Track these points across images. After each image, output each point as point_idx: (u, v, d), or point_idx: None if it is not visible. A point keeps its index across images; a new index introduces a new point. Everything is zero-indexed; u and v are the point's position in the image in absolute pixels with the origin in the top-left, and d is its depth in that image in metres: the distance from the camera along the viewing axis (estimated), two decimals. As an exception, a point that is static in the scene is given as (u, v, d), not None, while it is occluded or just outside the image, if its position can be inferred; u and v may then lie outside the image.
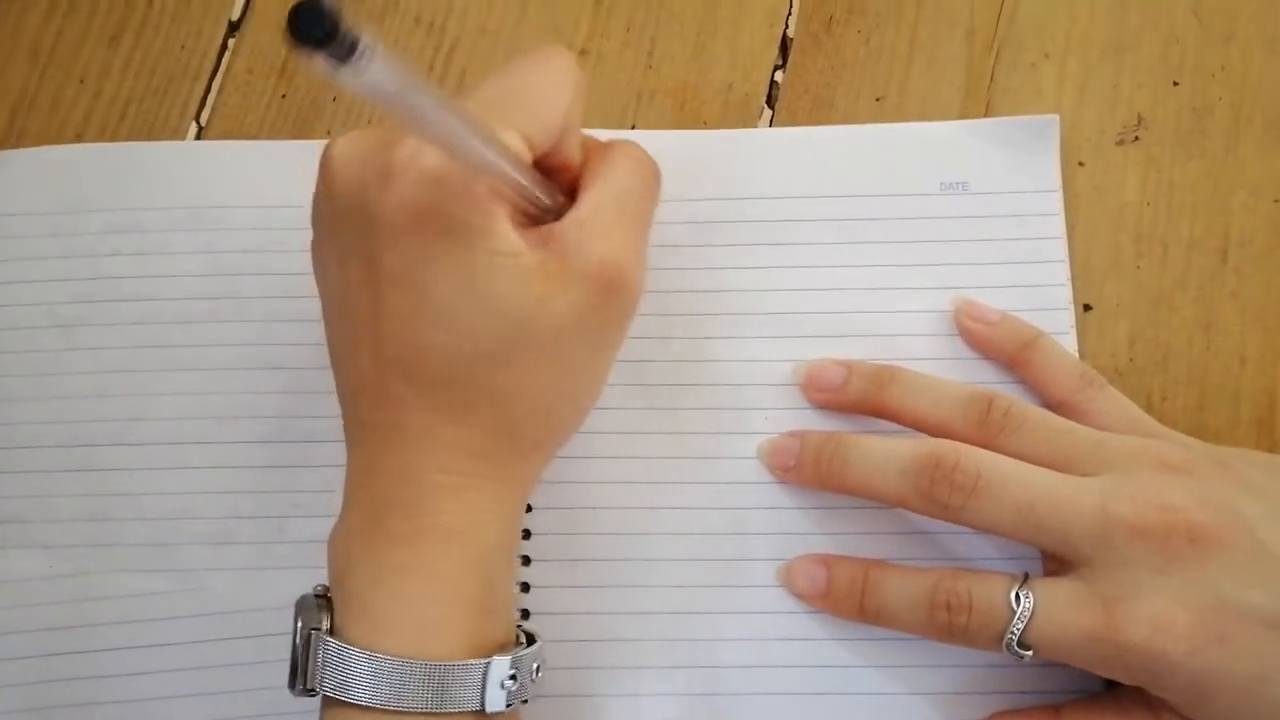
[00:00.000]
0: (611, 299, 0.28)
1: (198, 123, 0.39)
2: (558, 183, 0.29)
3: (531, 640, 0.29)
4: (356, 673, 0.25)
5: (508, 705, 0.27)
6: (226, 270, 0.36)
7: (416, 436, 0.27)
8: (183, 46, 0.40)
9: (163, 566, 0.34)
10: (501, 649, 0.27)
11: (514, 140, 0.26)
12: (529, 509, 0.33)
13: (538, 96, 0.28)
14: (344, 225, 0.27)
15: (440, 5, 0.40)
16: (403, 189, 0.26)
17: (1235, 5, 0.38)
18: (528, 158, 0.27)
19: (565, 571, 0.33)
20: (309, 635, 0.26)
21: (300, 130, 0.38)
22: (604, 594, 0.33)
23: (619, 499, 0.33)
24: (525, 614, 0.33)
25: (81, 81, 0.39)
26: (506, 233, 0.26)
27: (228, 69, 0.39)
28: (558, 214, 0.28)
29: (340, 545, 0.28)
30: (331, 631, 0.26)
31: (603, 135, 0.36)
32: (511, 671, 0.27)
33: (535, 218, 0.28)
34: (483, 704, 0.26)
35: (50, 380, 0.35)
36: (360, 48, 0.18)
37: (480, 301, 0.26)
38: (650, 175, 0.30)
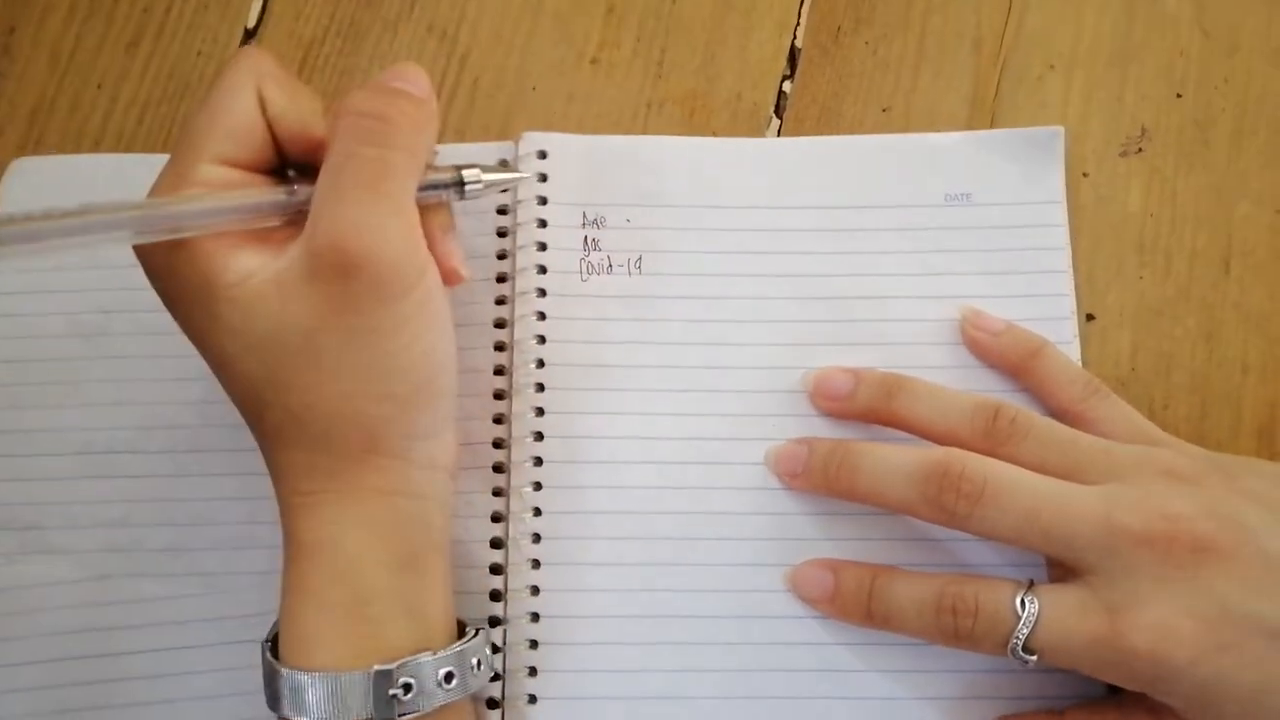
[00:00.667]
0: (352, 285, 0.26)
1: (213, 129, 0.39)
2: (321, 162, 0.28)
3: (464, 635, 0.29)
4: (295, 690, 0.27)
5: (404, 714, 0.27)
6: None
7: (275, 469, 0.29)
8: (199, 52, 0.40)
9: (182, 571, 0.34)
10: (418, 650, 0.28)
11: (212, 171, 0.27)
12: (538, 512, 0.34)
13: (218, 110, 0.27)
14: None
15: (453, 14, 0.40)
16: (153, 274, 0.28)
17: (1239, 18, 0.38)
18: (233, 177, 0.28)
19: (572, 575, 0.33)
20: (263, 648, 0.29)
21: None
22: (610, 598, 0.33)
23: (627, 504, 0.34)
24: (535, 617, 0.33)
25: (99, 86, 0.40)
26: (228, 263, 0.27)
27: None
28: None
29: None
30: (273, 648, 0.28)
31: (609, 143, 0.37)
32: (406, 679, 0.27)
33: (293, 220, 0.28)
34: (371, 712, 0.27)
35: (71, 388, 0.36)
36: None
37: (236, 337, 0.27)
38: (379, 124, 0.27)
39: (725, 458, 0.34)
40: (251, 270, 0.27)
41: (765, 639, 0.33)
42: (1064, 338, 0.35)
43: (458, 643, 0.29)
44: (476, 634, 0.30)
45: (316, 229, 0.26)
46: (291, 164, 0.29)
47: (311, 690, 0.27)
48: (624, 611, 0.33)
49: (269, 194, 0.28)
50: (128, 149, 0.39)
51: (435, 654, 0.28)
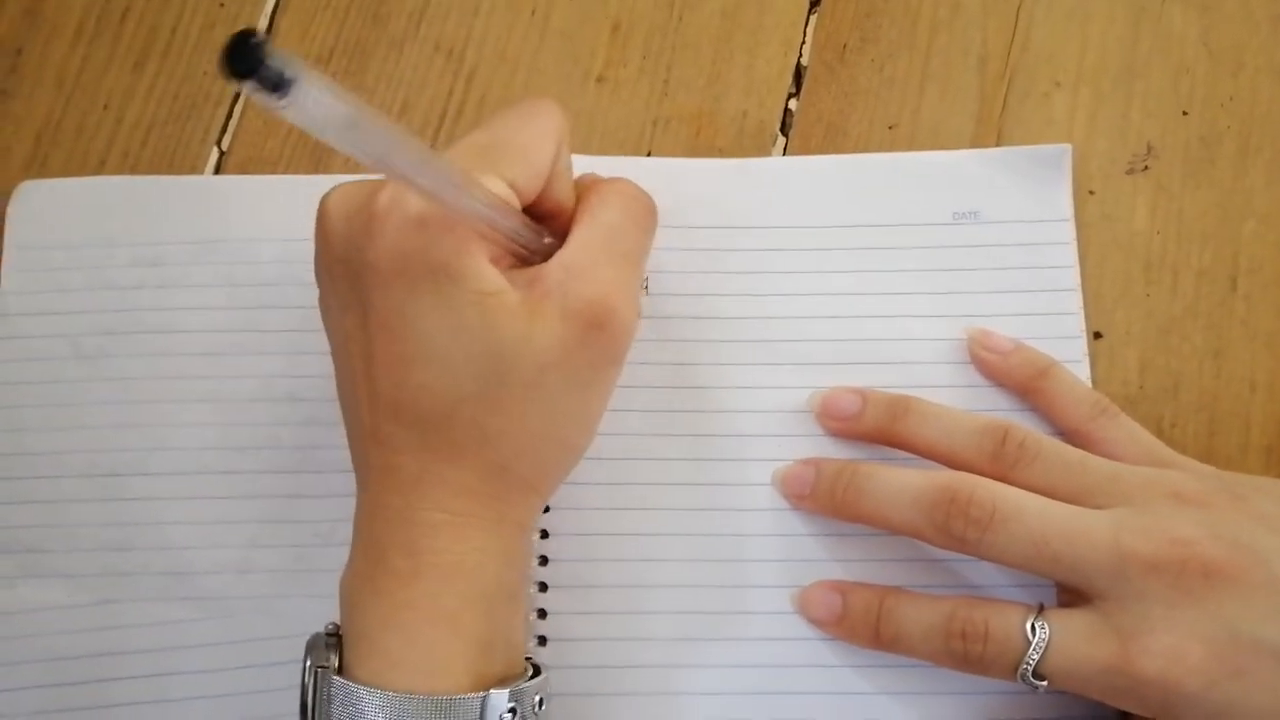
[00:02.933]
0: (598, 337, 0.28)
1: (219, 148, 0.39)
2: (552, 227, 0.30)
3: (538, 672, 0.29)
4: (361, 709, 0.26)
5: None
6: (247, 303, 0.36)
7: (412, 478, 0.28)
8: (205, 73, 0.40)
9: (184, 595, 0.34)
10: (503, 681, 0.28)
11: (498, 186, 0.27)
12: (545, 534, 0.34)
13: (522, 144, 0.28)
14: (339, 276, 0.28)
15: (460, 33, 0.40)
16: (386, 236, 0.26)
17: (1244, 36, 0.38)
18: (515, 202, 0.28)
19: (581, 598, 0.33)
20: (316, 673, 0.27)
21: (320, 157, 0.39)
22: (619, 620, 0.33)
23: (635, 525, 0.34)
24: (542, 640, 0.33)
25: (105, 107, 0.40)
26: (488, 272, 0.27)
27: (249, 96, 0.40)
28: (548, 256, 0.28)
29: (348, 584, 0.28)
30: (340, 670, 0.27)
31: (615, 164, 0.37)
32: (511, 704, 0.27)
33: (526, 259, 0.29)
34: None
35: (73, 411, 0.36)
36: (288, 79, 0.18)
37: (463, 340, 0.27)
38: (642, 211, 0.31)
39: (732, 478, 0.34)
40: (501, 286, 0.27)
41: (774, 661, 0.32)
42: (1072, 356, 0.35)
43: (540, 675, 0.29)
44: (539, 670, 0.29)
45: (584, 280, 0.28)
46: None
47: (429, 715, 0.26)
48: (631, 634, 0.33)
49: (534, 229, 0.29)
50: (133, 169, 0.39)
51: (530, 680, 0.28)
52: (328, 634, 0.28)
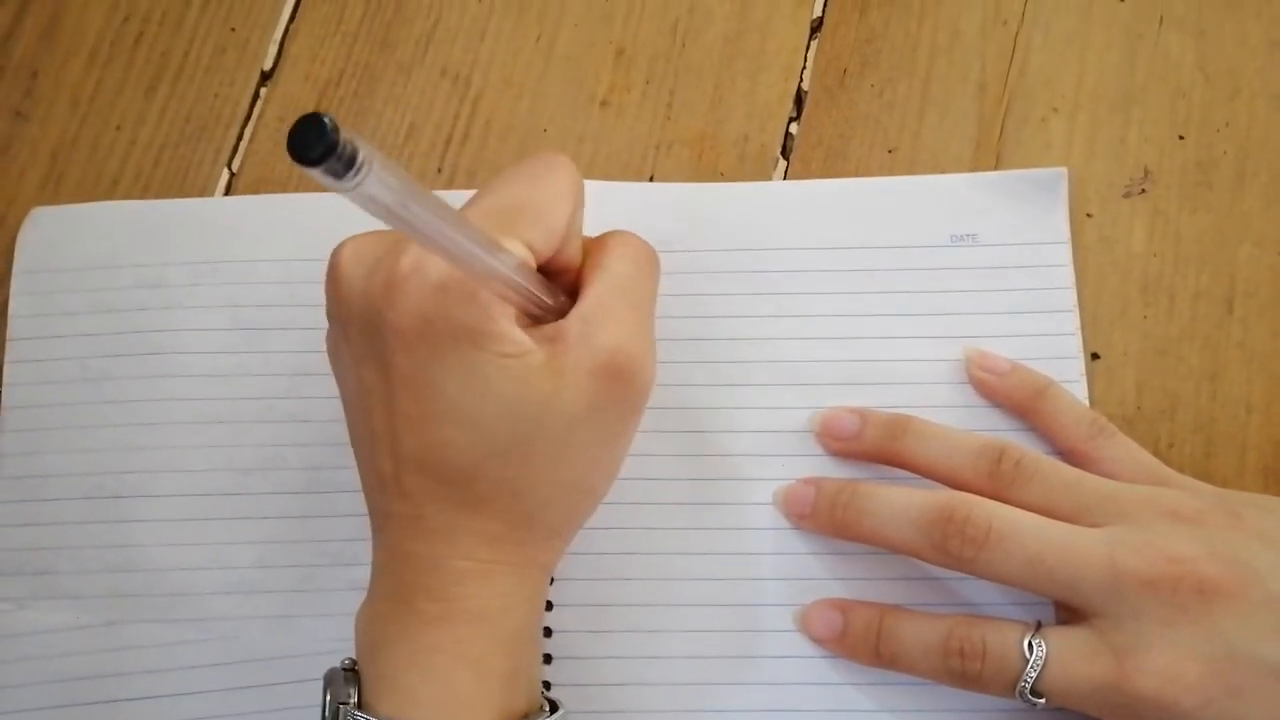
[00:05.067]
0: (621, 388, 0.28)
1: (229, 169, 0.40)
2: (560, 283, 0.30)
3: (554, 707, 0.29)
4: None
5: None
6: (251, 324, 0.36)
7: (438, 527, 0.28)
8: (216, 95, 0.41)
9: (190, 616, 0.34)
10: (525, 718, 0.28)
11: (518, 249, 0.27)
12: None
13: (542, 207, 0.29)
14: (355, 329, 0.28)
15: (466, 58, 0.41)
16: (408, 298, 0.27)
17: (1240, 62, 0.39)
18: (533, 264, 0.28)
19: (584, 617, 0.34)
20: (338, 709, 0.27)
21: (329, 178, 0.39)
22: (622, 639, 0.33)
23: (636, 545, 0.34)
24: (548, 658, 0.33)
25: (119, 129, 0.40)
26: (512, 333, 0.27)
27: (259, 117, 0.40)
28: (560, 313, 0.29)
29: (369, 624, 0.29)
30: (360, 706, 0.27)
31: (618, 188, 0.38)
32: None
33: (539, 318, 0.29)
34: None
35: (81, 433, 0.36)
36: (359, 162, 0.18)
37: (491, 402, 0.27)
38: (647, 261, 0.31)
39: (733, 498, 0.34)
40: (526, 346, 0.27)
41: (775, 679, 0.33)
42: (1070, 377, 0.35)
43: (559, 711, 0.29)
44: (556, 705, 0.30)
45: (602, 333, 0.28)
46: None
47: None
48: (633, 652, 0.33)
49: (550, 288, 0.29)
50: (145, 189, 0.40)
51: (550, 716, 0.29)
52: (345, 669, 0.28)
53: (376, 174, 0.19)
